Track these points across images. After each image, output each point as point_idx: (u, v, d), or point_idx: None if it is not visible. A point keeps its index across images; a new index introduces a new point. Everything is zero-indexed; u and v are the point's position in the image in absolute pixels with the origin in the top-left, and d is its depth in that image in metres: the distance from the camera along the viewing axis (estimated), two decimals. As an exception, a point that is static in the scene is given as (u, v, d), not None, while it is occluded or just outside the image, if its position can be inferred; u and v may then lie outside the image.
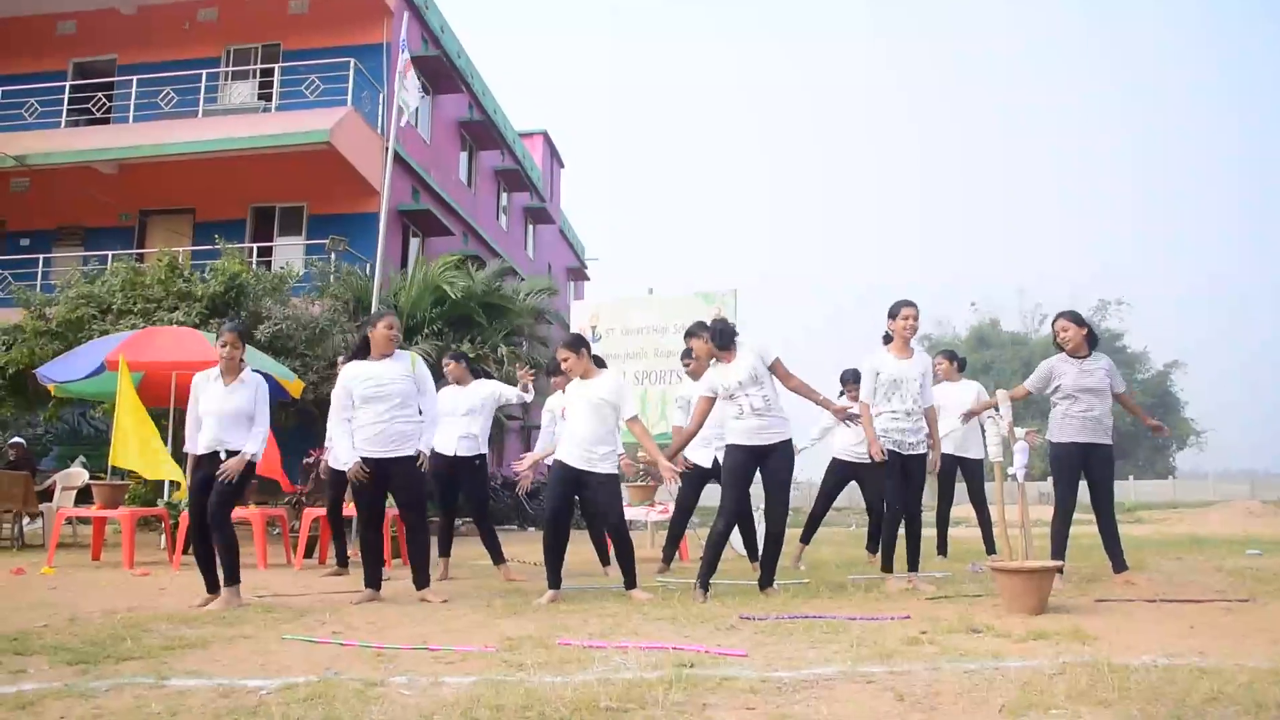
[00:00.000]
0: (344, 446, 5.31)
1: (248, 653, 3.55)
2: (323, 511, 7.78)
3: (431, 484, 6.28)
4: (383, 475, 5.26)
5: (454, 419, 6.66)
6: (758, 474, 5.38)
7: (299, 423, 11.61)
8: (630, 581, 5.29)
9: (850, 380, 6.99)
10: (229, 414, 5.13)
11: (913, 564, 5.61)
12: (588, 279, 32.20)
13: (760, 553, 5.68)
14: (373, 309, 11.96)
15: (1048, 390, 5.65)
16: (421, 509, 5.49)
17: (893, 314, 5.58)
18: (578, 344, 5.42)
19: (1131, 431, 39.79)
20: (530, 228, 26.45)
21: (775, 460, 5.26)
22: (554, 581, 5.24)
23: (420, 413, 5.44)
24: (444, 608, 4.91)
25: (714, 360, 5.41)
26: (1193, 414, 41.95)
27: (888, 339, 5.65)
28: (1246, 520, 14.92)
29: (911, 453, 5.49)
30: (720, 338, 5.34)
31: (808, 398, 5.40)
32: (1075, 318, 5.63)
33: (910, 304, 5.59)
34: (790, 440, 5.38)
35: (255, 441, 5.20)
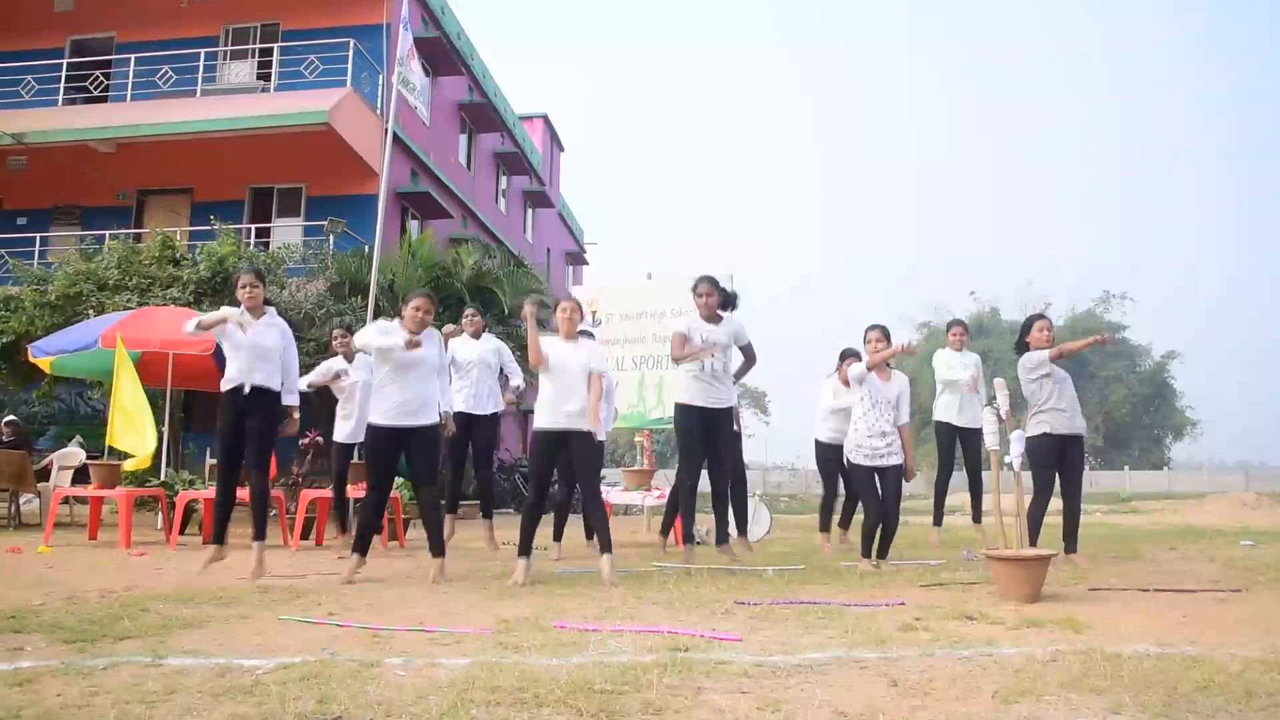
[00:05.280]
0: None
1: (245, 633, 3.56)
2: (321, 493, 7.79)
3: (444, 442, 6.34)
4: (402, 444, 5.22)
5: (469, 372, 6.77)
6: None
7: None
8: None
9: (851, 355, 7.05)
10: (260, 349, 5.19)
11: (883, 552, 5.83)
12: (586, 263, 32.16)
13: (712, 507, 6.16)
14: (370, 292, 11.95)
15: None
16: (435, 479, 5.48)
17: (866, 339, 6.01)
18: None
19: (1127, 423, 39.90)
20: (529, 211, 26.38)
21: (723, 422, 5.81)
22: (523, 549, 5.14)
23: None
24: (441, 589, 4.93)
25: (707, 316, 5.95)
26: (1188, 405, 42.01)
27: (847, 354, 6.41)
28: (1240, 511, 14.95)
29: (885, 464, 5.74)
30: (723, 302, 5.97)
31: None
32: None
33: (876, 327, 5.98)
34: (734, 408, 5.96)
35: (293, 395, 5.37)
